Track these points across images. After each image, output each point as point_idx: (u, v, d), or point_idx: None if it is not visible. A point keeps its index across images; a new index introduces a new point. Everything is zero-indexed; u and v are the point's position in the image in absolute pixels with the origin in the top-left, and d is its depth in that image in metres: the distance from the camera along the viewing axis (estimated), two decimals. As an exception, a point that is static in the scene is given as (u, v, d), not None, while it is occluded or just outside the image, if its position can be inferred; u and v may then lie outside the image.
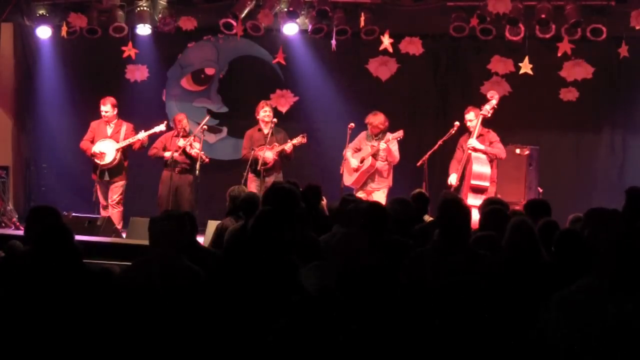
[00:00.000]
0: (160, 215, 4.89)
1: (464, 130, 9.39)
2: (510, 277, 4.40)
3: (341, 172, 9.67)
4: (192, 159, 9.89)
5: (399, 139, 9.45)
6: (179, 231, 4.55)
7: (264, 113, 9.81)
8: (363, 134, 9.66)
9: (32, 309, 3.90)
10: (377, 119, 9.49)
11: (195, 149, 9.81)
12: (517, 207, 8.03)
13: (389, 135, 9.45)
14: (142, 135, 9.92)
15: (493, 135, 9.29)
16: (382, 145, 9.36)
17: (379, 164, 9.49)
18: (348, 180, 9.55)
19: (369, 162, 9.46)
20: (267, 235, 4.61)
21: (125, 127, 10.03)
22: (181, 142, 9.79)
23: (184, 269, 4.50)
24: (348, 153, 9.67)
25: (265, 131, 9.76)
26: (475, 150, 9.08)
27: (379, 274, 4.43)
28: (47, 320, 3.88)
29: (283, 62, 10.94)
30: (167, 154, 9.87)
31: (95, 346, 3.95)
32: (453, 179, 9.28)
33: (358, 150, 9.62)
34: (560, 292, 3.46)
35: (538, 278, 4.44)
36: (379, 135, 9.50)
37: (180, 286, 4.41)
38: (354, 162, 9.54)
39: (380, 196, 9.28)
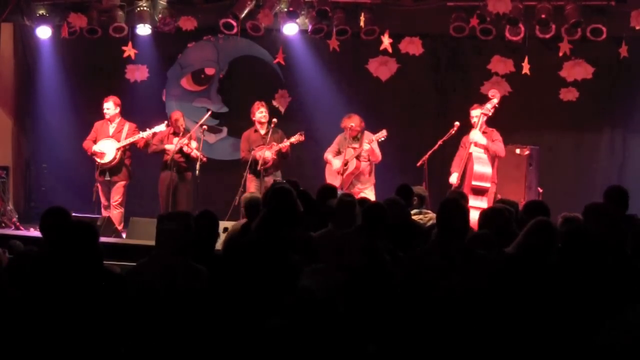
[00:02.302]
0: (167, 213, 4.89)
1: (466, 129, 9.39)
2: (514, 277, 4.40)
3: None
4: (188, 157, 9.89)
5: (382, 139, 9.48)
6: (183, 231, 4.55)
7: (260, 114, 9.84)
8: (341, 136, 9.67)
9: (52, 308, 3.89)
10: (353, 121, 9.51)
11: (194, 149, 9.79)
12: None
13: (371, 136, 9.48)
14: (145, 133, 9.91)
15: (496, 134, 9.30)
16: (366, 146, 9.39)
17: (363, 164, 9.52)
18: (332, 183, 9.54)
19: (353, 165, 9.51)
20: (271, 235, 4.62)
21: (127, 126, 10.02)
22: (178, 142, 9.77)
23: (187, 268, 4.49)
24: (329, 156, 9.71)
25: (262, 132, 9.78)
26: (476, 145, 9.07)
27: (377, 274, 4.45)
28: (66, 319, 3.88)
29: (282, 62, 10.95)
30: (169, 147, 9.82)
31: (106, 345, 3.96)
32: (454, 179, 9.29)
33: (338, 152, 9.65)
34: None
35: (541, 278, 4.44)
36: (357, 136, 9.53)
37: (183, 286, 4.41)
38: (336, 163, 9.57)
39: (370, 195, 9.30)
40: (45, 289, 3.97)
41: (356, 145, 9.52)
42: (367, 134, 9.59)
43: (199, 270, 4.53)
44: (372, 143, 9.42)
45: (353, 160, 9.51)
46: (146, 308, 4.32)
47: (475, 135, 9.10)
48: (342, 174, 9.54)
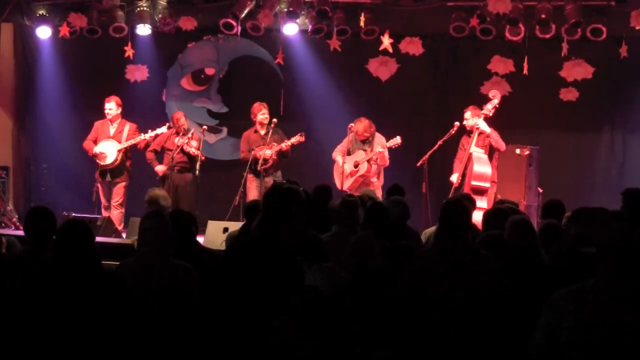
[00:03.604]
0: (146, 213, 4.87)
1: (464, 130, 9.40)
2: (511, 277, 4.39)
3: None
4: (190, 157, 9.89)
5: (395, 146, 9.46)
6: (160, 229, 4.53)
7: (262, 115, 9.81)
8: (351, 136, 9.65)
9: (50, 308, 3.88)
10: (358, 127, 9.47)
11: (192, 148, 9.79)
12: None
13: (383, 141, 9.48)
14: (146, 135, 9.91)
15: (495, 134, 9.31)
16: (379, 149, 9.39)
17: (373, 167, 9.53)
18: (341, 183, 9.54)
19: (364, 168, 9.49)
20: (272, 234, 4.62)
21: (128, 127, 10.02)
22: (179, 141, 9.77)
23: (169, 266, 4.48)
24: (338, 157, 9.68)
25: (262, 132, 9.78)
26: (479, 129, 9.04)
27: (384, 277, 4.45)
28: (65, 320, 3.87)
29: (282, 63, 10.95)
30: (159, 169, 9.85)
31: (99, 346, 3.95)
32: (454, 178, 9.29)
33: (347, 153, 9.62)
34: (557, 292, 3.46)
35: (536, 280, 4.44)
36: (368, 139, 9.53)
37: (167, 283, 4.39)
38: (347, 166, 9.55)
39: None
40: (31, 289, 3.95)
41: (367, 148, 9.52)
42: (378, 136, 9.57)
43: (184, 267, 4.51)
44: (385, 148, 9.41)
45: (364, 163, 9.50)
46: (131, 307, 4.29)
47: (480, 123, 9.08)
48: (352, 176, 9.53)
